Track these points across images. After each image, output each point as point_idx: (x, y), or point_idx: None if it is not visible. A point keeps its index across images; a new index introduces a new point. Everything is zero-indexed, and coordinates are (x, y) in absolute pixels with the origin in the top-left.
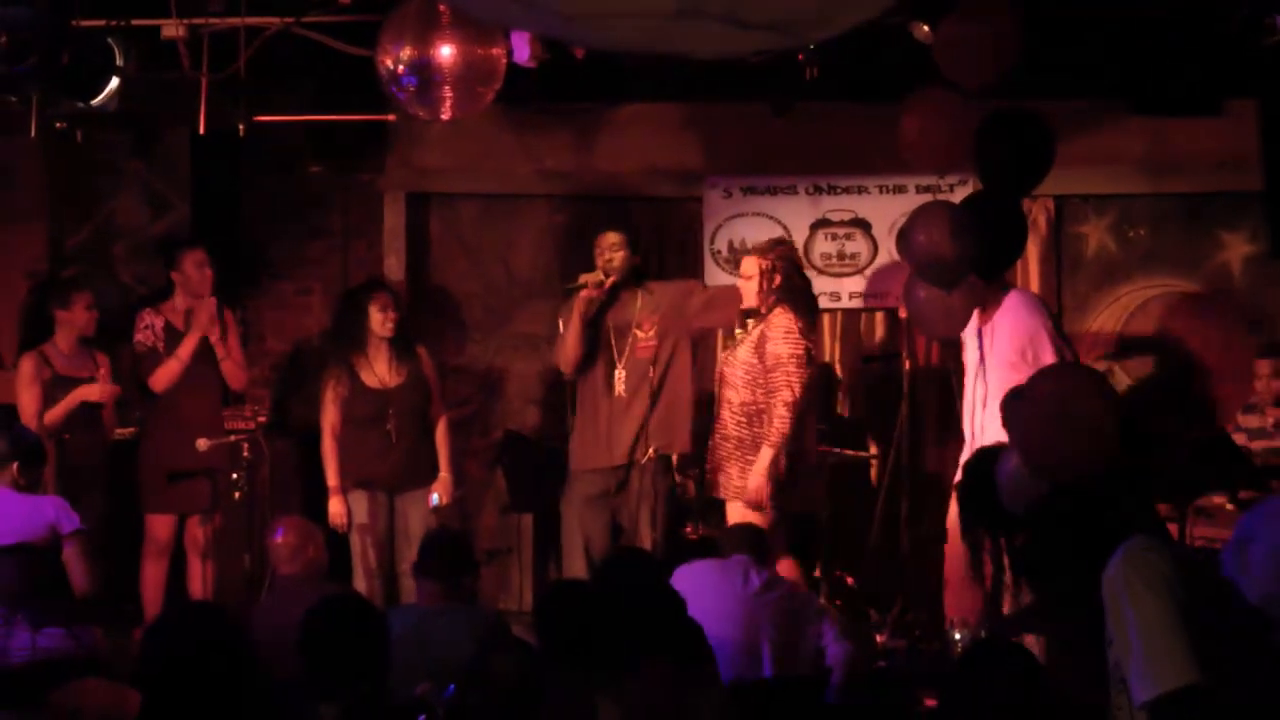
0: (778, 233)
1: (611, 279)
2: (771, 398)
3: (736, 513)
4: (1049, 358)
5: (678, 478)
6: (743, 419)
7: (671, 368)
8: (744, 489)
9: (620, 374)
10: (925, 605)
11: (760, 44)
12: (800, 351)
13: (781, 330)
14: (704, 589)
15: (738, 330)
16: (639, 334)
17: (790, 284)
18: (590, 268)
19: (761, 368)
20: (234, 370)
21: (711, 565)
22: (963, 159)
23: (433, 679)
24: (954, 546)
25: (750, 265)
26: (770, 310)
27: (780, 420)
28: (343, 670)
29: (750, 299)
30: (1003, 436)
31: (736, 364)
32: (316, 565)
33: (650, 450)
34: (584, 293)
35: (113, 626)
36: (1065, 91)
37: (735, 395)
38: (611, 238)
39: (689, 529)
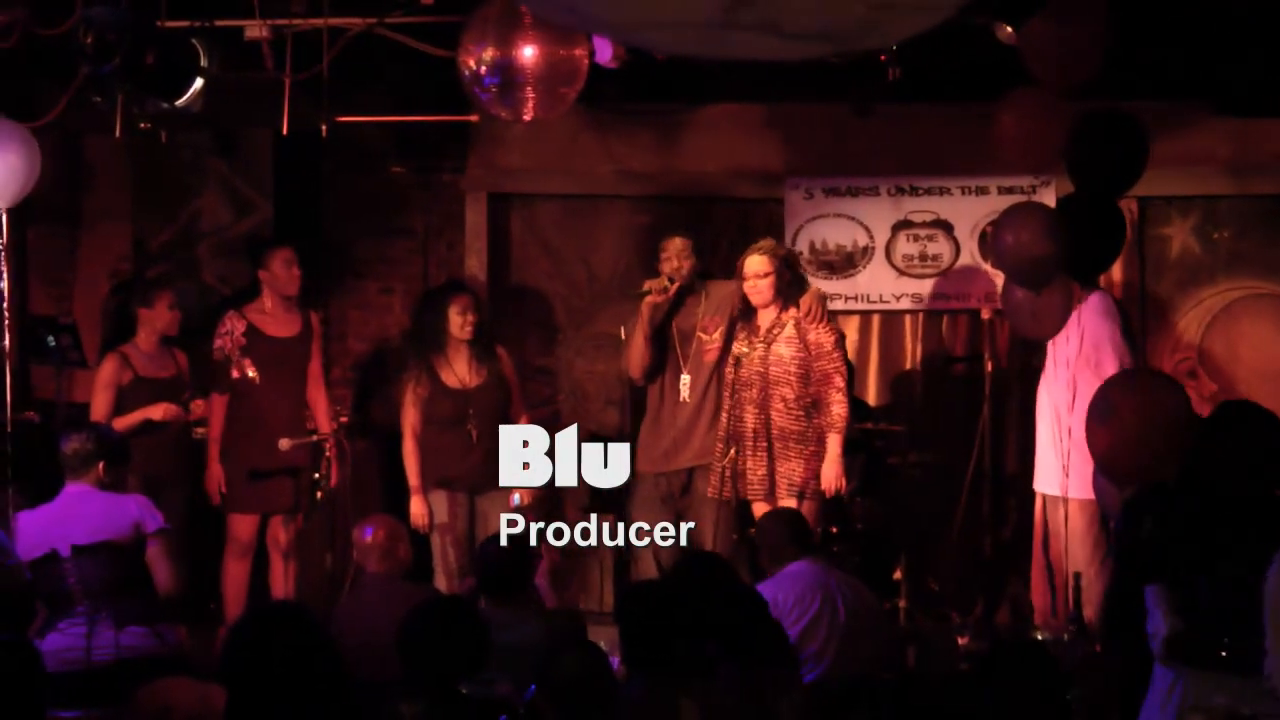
0: (859, 234)
1: (677, 285)
2: (824, 386)
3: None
4: (1109, 365)
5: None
6: (800, 413)
7: None
8: (805, 483)
9: (686, 379)
10: (1008, 607)
11: (808, 52)
12: (837, 336)
13: (818, 319)
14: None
15: (743, 338)
16: (703, 337)
17: (799, 282)
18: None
19: (810, 358)
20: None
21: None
22: (1057, 159)
23: (513, 679)
24: (1040, 546)
25: (763, 264)
26: (784, 308)
27: (839, 405)
28: (443, 671)
29: (765, 296)
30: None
31: (784, 361)
32: (404, 565)
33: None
34: (649, 299)
35: (196, 625)
36: (1150, 93)
37: (789, 391)
38: (679, 243)
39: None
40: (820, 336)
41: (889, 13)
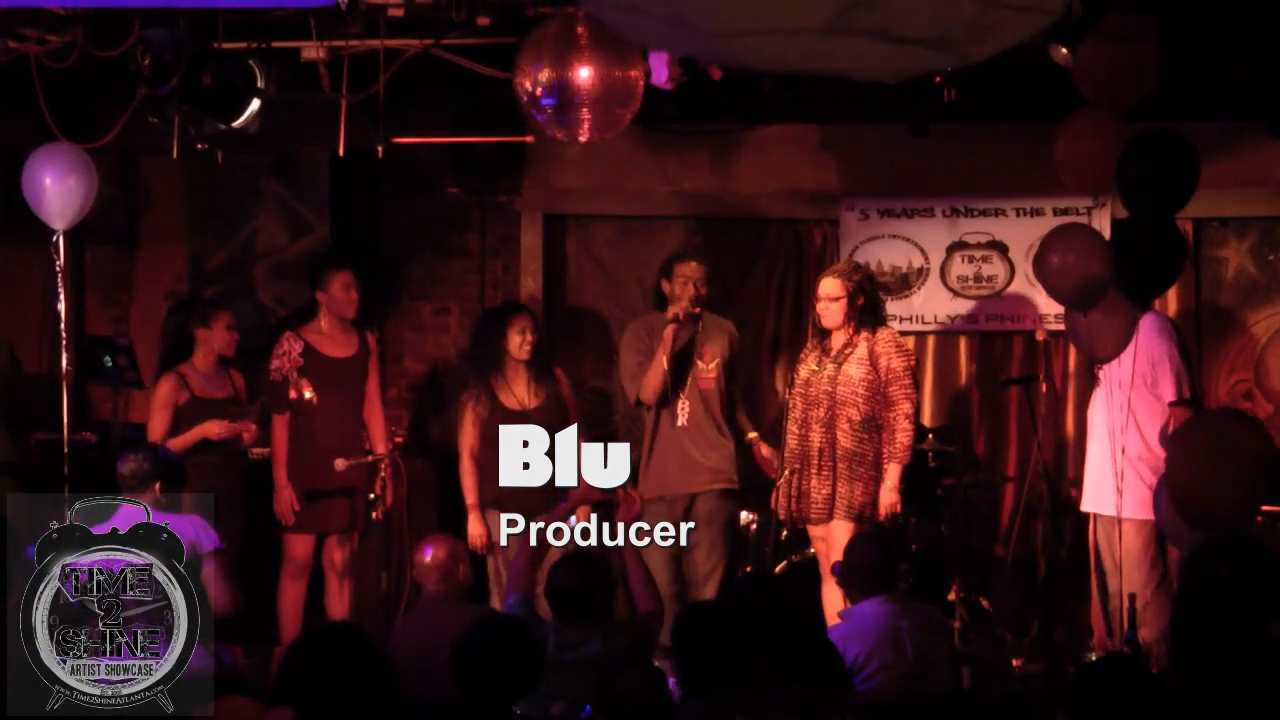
0: (914, 255)
1: (697, 310)
2: (892, 411)
3: (842, 531)
4: (1166, 385)
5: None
6: (864, 435)
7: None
8: (863, 506)
9: (684, 405)
10: (1063, 628)
11: (918, 62)
12: (912, 364)
13: (894, 345)
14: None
15: (815, 358)
16: (700, 365)
17: (874, 307)
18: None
19: (880, 382)
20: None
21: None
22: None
23: (578, 698)
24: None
25: (836, 287)
26: (856, 331)
27: (904, 434)
28: (496, 691)
29: (835, 320)
30: (1138, 457)
31: (853, 382)
32: (463, 586)
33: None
34: (675, 324)
35: (251, 646)
36: (1205, 114)
37: (855, 413)
38: (697, 268)
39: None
40: (893, 362)
41: (998, 13)
